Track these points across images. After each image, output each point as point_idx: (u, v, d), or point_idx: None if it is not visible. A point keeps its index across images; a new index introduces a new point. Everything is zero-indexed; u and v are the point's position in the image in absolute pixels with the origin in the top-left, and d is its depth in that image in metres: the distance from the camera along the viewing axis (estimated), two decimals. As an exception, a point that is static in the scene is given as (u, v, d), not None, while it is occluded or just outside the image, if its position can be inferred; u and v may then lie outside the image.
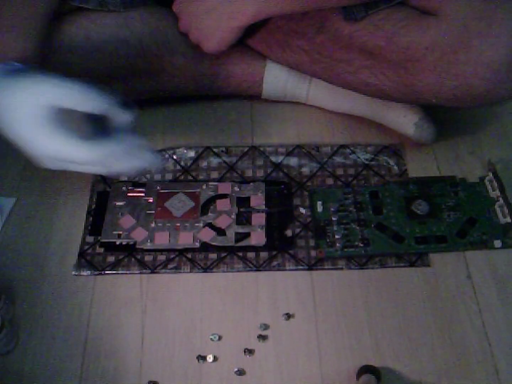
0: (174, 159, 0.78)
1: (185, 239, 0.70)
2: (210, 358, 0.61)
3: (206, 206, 0.73)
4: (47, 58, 0.72)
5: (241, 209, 0.73)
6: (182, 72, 0.79)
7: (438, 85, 0.66)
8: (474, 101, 0.67)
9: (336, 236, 0.70)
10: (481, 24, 0.62)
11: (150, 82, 0.80)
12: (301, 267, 0.68)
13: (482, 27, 0.62)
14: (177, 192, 0.74)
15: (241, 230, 0.71)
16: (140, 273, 0.68)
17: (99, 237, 0.71)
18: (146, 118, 0.84)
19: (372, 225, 0.71)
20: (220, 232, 0.70)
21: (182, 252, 0.70)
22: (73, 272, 0.68)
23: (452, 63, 0.64)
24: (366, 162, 0.78)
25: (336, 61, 0.72)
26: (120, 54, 0.74)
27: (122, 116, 0.57)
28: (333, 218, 0.72)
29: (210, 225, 0.71)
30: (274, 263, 0.69)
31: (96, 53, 0.74)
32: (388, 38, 0.67)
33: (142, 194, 0.74)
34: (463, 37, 0.63)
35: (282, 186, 0.75)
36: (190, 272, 0.68)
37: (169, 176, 0.77)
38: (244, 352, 0.62)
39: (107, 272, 0.68)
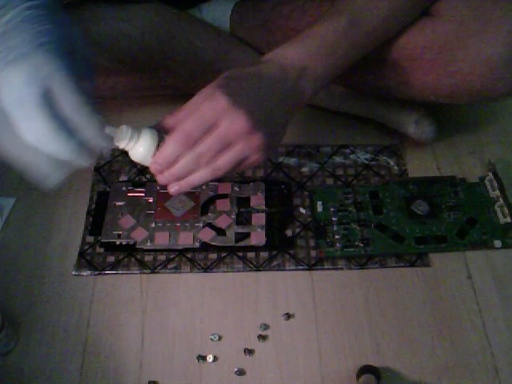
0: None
1: (185, 239, 0.70)
2: (210, 358, 0.61)
3: (206, 206, 0.73)
4: None
5: (241, 209, 0.73)
6: (183, 67, 0.79)
7: (436, 83, 0.66)
8: (472, 98, 0.67)
9: (336, 236, 0.70)
10: (478, 22, 0.62)
11: (150, 78, 0.80)
12: (301, 267, 0.68)
13: (479, 25, 0.62)
14: (177, 192, 0.74)
15: (241, 230, 0.71)
16: (140, 273, 0.68)
17: (99, 237, 0.71)
18: (146, 117, 0.84)
19: (372, 225, 0.71)
20: (220, 232, 0.70)
21: (182, 252, 0.70)
22: (73, 272, 0.68)
23: (449, 61, 0.64)
24: (366, 162, 0.78)
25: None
26: (122, 47, 0.74)
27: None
28: (333, 218, 0.72)
29: (210, 225, 0.71)
30: (274, 263, 0.69)
31: (96, 46, 0.73)
32: None
33: (142, 194, 0.74)
34: (460, 35, 0.63)
35: (282, 186, 0.75)
36: (190, 272, 0.68)
37: (169, 176, 0.77)
38: (244, 352, 0.62)
39: (107, 272, 0.68)
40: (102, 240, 0.70)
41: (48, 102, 0.46)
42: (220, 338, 0.63)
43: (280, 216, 0.72)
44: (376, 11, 0.62)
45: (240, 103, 0.53)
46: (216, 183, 0.75)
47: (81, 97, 0.47)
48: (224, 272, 0.68)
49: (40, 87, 0.45)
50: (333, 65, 0.61)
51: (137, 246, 0.69)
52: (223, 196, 0.74)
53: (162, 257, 0.69)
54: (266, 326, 0.64)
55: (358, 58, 0.64)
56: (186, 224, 0.71)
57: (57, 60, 0.46)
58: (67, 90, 0.46)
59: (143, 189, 0.75)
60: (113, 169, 0.78)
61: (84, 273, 0.68)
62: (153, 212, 0.72)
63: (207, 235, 0.70)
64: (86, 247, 0.70)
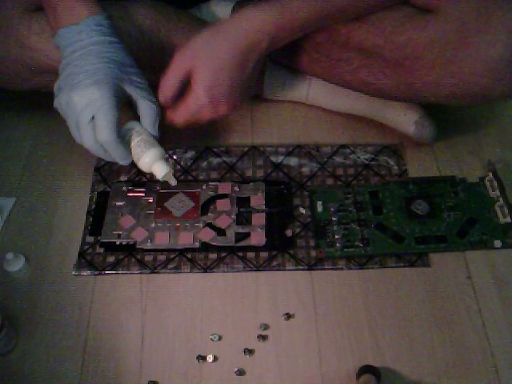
0: (174, 159, 0.78)
1: (185, 239, 0.70)
2: (210, 358, 0.61)
3: (206, 206, 0.73)
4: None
5: (241, 209, 0.73)
6: None
7: (436, 83, 0.66)
8: (473, 98, 0.67)
9: (336, 236, 0.70)
10: (480, 21, 0.62)
11: (151, 77, 0.80)
12: (301, 267, 0.68)
13: (481, 25, 0.62)
14: (177, 192, 0.74)
15: (241, 230, 0.71)
16: (140, 273, 0.68)
17: (99, 237, 0.71)
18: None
19: (372, 225, 0.71)
20: (220, 232, 0.70)
21: (182, 252, 0.70)
22: (73, 272, 0.68)
23: (450, 61, 0.64)
24: (366, 162, 0.78)
25: (335, 60, 0.72)
26: None
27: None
28: (333, 218, 0.72)
29: (210, 225, 0.71)
30: (274, 263, 0.69)
31: None
32: (386, 36, 0.67)
33: (142, 194, 0.74)
34: (462, 35, 0.63)
35: (282, 186, 0.75)
36: (190, 272, 0.68)
37: (169, 176, 0.77)
38: (244, 352, 0.62)
39: (107, 272, 0.68)
40: (102, 240, 0.70)
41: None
42: (220, 338, 0.63)
43: (280, 216, 0.72)
44: None
45: (205, 86, 0.67)
46: (216, 183, 0.75)
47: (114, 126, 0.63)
48: (224, 272, 0.68)
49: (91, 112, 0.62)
50: (297, 34, 0.70)
51: (137, 246, 0.69)
52: (223, 196, 0.74)
53: (162, 257, 0.69)
54: (266, 326, 0.64)
55: (321, 28, 0.70)
56: (186, 224, 0.71)
57: (105, 95, 0.62)
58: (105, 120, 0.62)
59: (143, 189, 0.75)
60: (113, 169, 0.78)
61: (84, 273, 0.68)
62: (153, 212, 0.72)
63: (207, 235, 0.70)
64: (86, 247, 0.70)
